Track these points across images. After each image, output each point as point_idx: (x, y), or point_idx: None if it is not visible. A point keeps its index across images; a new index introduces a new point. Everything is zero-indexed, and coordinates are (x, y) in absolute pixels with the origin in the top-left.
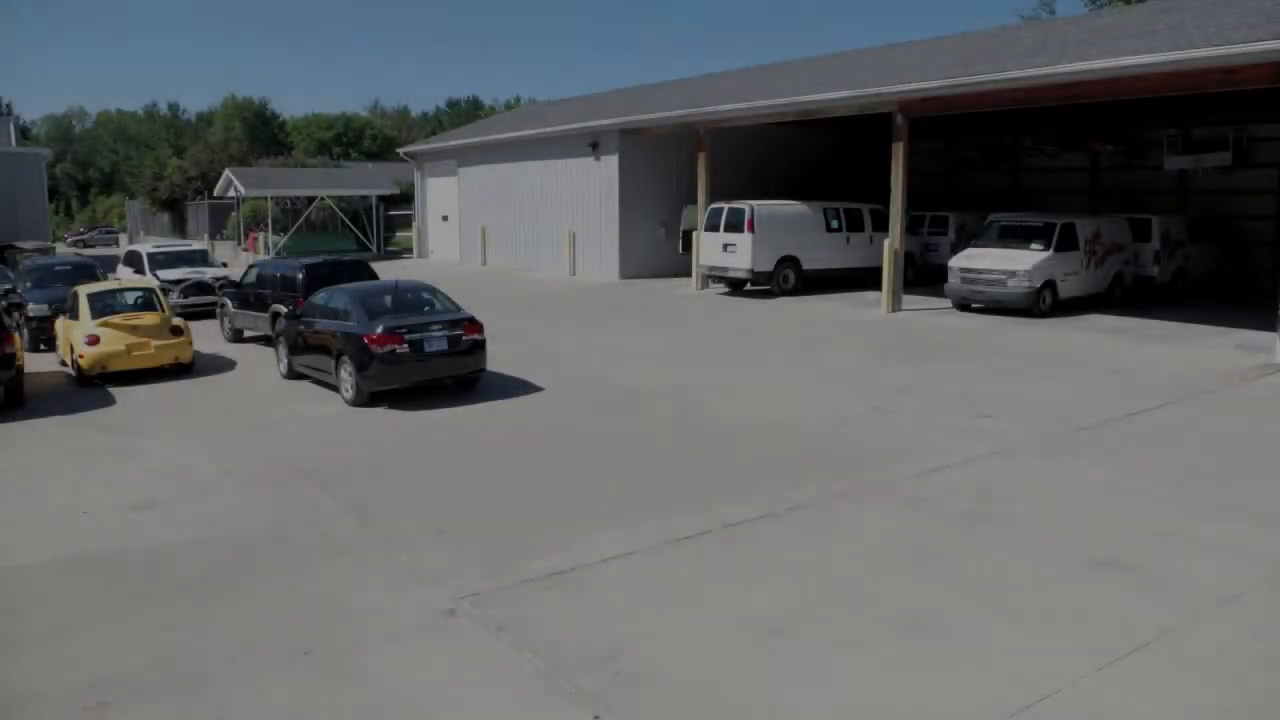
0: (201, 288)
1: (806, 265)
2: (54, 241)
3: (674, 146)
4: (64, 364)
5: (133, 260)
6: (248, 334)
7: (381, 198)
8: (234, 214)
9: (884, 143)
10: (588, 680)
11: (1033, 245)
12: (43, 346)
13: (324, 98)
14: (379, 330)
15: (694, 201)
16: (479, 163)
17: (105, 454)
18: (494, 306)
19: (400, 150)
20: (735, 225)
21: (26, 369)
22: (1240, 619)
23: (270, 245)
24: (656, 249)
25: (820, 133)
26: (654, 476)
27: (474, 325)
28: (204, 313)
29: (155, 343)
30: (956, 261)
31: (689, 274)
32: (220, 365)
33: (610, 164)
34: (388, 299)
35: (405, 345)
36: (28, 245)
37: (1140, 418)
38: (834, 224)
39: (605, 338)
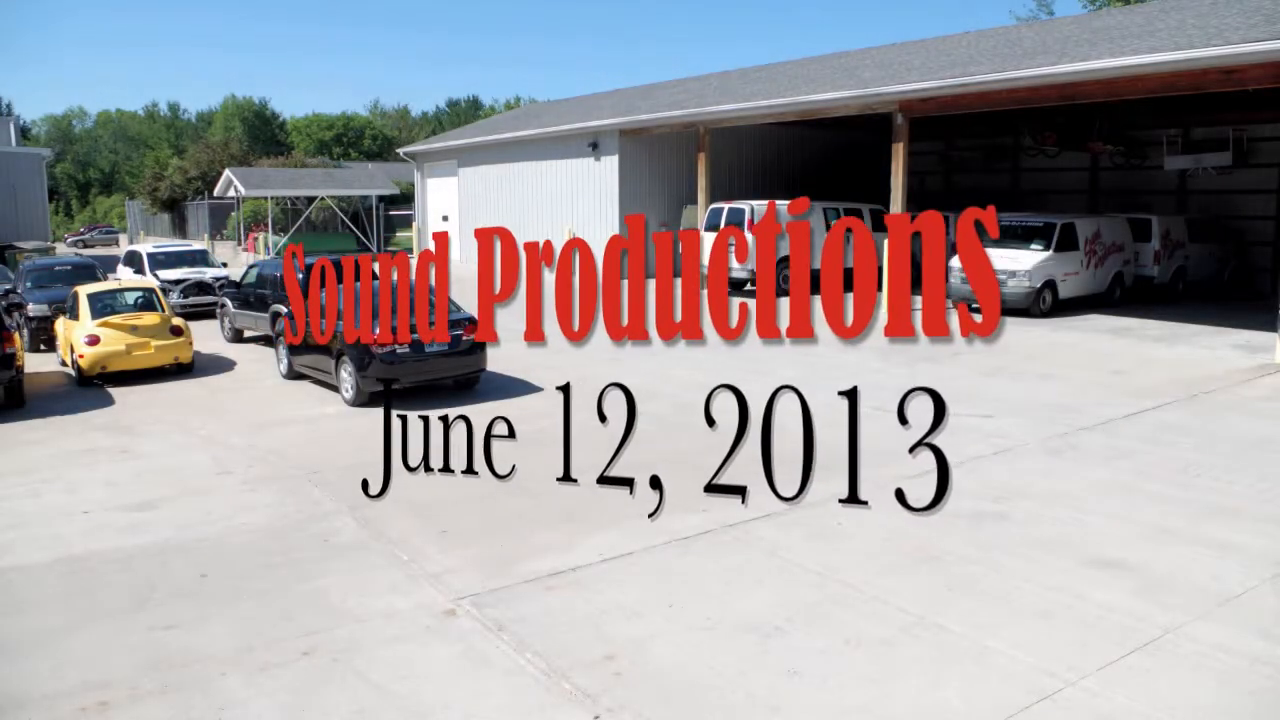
0: (201, 288)
1: None
2: (54, 242)
3: (674, 146)
4: (64, 364)
5: (133, 260)
6: (248, 334)
7: (381, 198)
8: (234, 214)
9: (884, 143)
10: (588, 680)
11: (1033, 245)
12: (43, 346)
13: (324, 98)
14: (379, 330)
15: (694, 202)
16: (479, 163)
17: (105, 454)
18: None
19: (400, 150)
20: (735, 225)
21: (26, 369)
22: (1240, 619)
23: (270, 245)
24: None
25: (820, 133)
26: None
27: (475, 325)
28: (204, 313)
29: (155, 343)
30: (956, 261)
31: None
32: (220, 365)
33: (610, 164)
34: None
35: (405, 345)
36: (28, 245)
37: (1140, 418)
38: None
39: (603, 337)
